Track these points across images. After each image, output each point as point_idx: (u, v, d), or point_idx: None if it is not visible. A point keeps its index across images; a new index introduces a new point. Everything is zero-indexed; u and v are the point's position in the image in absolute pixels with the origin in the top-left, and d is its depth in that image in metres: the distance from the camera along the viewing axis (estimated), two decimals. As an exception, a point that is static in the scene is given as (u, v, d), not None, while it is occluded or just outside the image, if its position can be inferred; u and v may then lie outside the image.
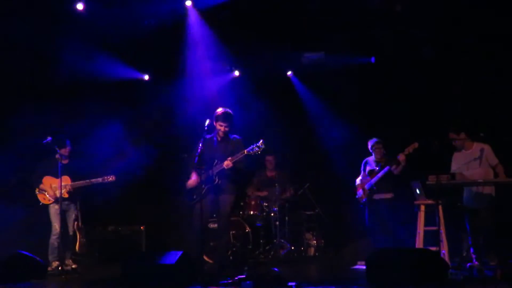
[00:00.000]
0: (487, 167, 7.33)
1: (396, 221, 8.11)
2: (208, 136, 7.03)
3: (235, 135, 7.14)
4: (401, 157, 7.95)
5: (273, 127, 9.71)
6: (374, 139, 8.49)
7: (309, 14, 8.75)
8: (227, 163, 6.76)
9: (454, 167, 7.54)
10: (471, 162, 7.38)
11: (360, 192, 8.46)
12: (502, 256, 7.04)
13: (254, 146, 6.71)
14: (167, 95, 10.21)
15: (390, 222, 8.10)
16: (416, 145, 7.78)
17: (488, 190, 7.34)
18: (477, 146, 7.42)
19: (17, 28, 8.29)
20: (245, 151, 6.75)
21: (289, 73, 10.38)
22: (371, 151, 8.49)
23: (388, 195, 8.25)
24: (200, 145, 6.96)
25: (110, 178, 7.96)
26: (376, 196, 8.31)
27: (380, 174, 8.15)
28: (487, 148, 7.38)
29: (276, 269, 6.70)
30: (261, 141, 6.70)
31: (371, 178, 8.29)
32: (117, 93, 9.50)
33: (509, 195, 7.34)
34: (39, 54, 8.81)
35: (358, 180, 8.55)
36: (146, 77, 10.33)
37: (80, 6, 8.54)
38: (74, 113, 9.13)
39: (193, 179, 6.97)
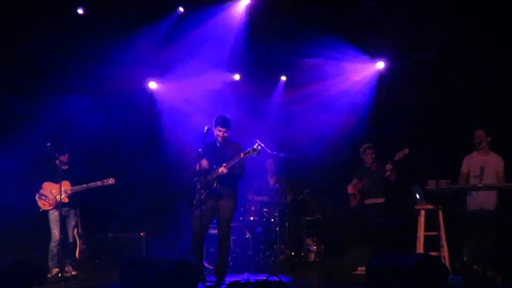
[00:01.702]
0: (495, 176, 7.37)
1: (388, 226, 8.10)
2: (207, 142, 7.04)
3: (234, 140, 7.15)
4: (388, 166, 7.96)
5: (272, 131, 9.74)
6: (365, 144, 8.50)
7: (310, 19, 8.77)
8: (222, 170, 6.79)
9: (465, 169, 7.56)
10: (484, 168, 7.40)
11: (352, 196, 8.48)
12: (503, 262, 7.04)
13: (250, 149, 6.73)
14: (168, 101, 10.27)
15: (382, 227, 8.09)
16: (406, 150, 7.79)
17: (492, 198, 7.35)
18: (492, 155, 7.46)
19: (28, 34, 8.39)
20: (241, 154, 6.78)
21: (283, 78, 10.40)
22: (362, 156, 8.49)
23: (380, 200, 8.25)
24: (200, 150, 6.98)
25: (110, 181, 7.97)
26: (368, 201, 8.31)
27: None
28: (499, 159, 7.43)
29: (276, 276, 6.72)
30: (256, 144, 6.73)
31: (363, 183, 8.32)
32: (119, 99, 9.50)
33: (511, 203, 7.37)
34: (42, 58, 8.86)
35: (349, 187, 8.56)
36: (152, 84, 10.38)
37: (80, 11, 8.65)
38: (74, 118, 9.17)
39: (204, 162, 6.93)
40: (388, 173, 8.03)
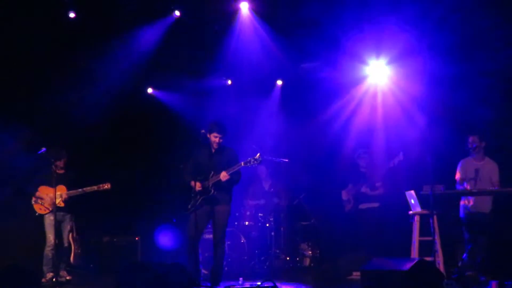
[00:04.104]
0: (489, 182, 7.38)
1: (383, 231, 8.12)
2: (202, 147, 7.03)
3: (229, 146, 7.12)
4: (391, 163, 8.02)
5: (268, 135, 9.75)
6: (360, 149, 8.53)
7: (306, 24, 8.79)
8: (224, 175, 6.74)
9: (460, 174, 7.58)
10: (478, 173, 7.42)
11: (347, 202, 8.50)
12: (497, 267, 7.05)
13: (251, 158, 6.69)
14: (165, 105, 10.28)
15: (377, 232, 8.10)
16: (401, 156, 7.82)
17: (486, 203, 7.37)
18: (487, 160, 7.48)
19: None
20: (242, 163, 6.73)
21: (279, 82, 10.42)
22: (357, 160, 8.50)
23: (375, 205, 8.25)
24: (195, 155, 6.98)
25: (106, 186, 7.93)
26: (362, 206, 8.32)
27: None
28: (494, 165, 7.45)
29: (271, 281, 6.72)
30: (258, 154, 6.68)
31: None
32: (116, 102, 9.50)
33: (506, 209, 7.38)
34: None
35: (344, 192, 8.58)
36: (150, 90, 10.39)
37: (72, 15, 8.68)
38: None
39: (198, 186, 6.93)
40: (378, 184, 8.11)
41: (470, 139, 7.49)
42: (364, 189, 8.21)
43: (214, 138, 6.92)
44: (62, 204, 7.86)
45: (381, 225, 8.14)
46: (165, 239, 9.18)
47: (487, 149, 7.51)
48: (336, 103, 9.59)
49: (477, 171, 7.42)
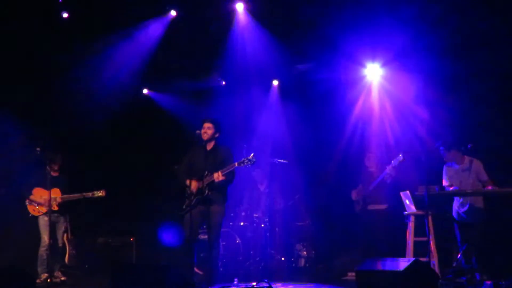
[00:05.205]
0: (476, 180, 7.38)
1: (390, 232, 8.11)
2: (197, 147, 7.01)
3: (224, 145, 7.10)
4: (388, 168, 8.02)
5: (265, 136, 9.75)
6: (366, 150, 8.54)
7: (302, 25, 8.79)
8: (218, 176, 6.72)
9: (445, 180, 7.58)
10: (463, 175, 7.43)
11: (356, 203, 8.50)
12: (491, 266, 7.07)
13: (244, 159, 6.65)
14: (161, 106, 10.27)
15: (384, 233, 8.10)
16: (401, 158, 7.84)
17: (479, 203, 7.38)
18: (468, 160, 7.47)
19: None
20: (236, 163, 6.70)
21: (275, 83, 10.41)
22: (364, 160, 8.52)
23: (382, 206, 8.26)
24: (190, 155, 6.97)
25: (100, 193, 7.92)
26: (370, 207, 8.32)
27: (378, 180, 8.16)
28: (477, 162, 7.43)
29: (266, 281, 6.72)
30: (252, 154, 6.64)
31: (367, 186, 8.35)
32: (111, 104, 9.49)
33: (499, 209, 7.39)
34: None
35: (353, 192, 8.58)
36: (145, 91, 10.39)
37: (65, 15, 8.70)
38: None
39: (194, 185, 6.91)
40: (386, 175, 8.09)
41: (440, 151, 7.54)
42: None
43: (203, 129, 6.90)
44: (56, 208, 7.86)
45: (388, 226, 8.12)
46: (168, 236, 9.12)
47: (474, 150, 7.49)
48: (335, 104, 9.58)
49: (471, 163, 7.42)
